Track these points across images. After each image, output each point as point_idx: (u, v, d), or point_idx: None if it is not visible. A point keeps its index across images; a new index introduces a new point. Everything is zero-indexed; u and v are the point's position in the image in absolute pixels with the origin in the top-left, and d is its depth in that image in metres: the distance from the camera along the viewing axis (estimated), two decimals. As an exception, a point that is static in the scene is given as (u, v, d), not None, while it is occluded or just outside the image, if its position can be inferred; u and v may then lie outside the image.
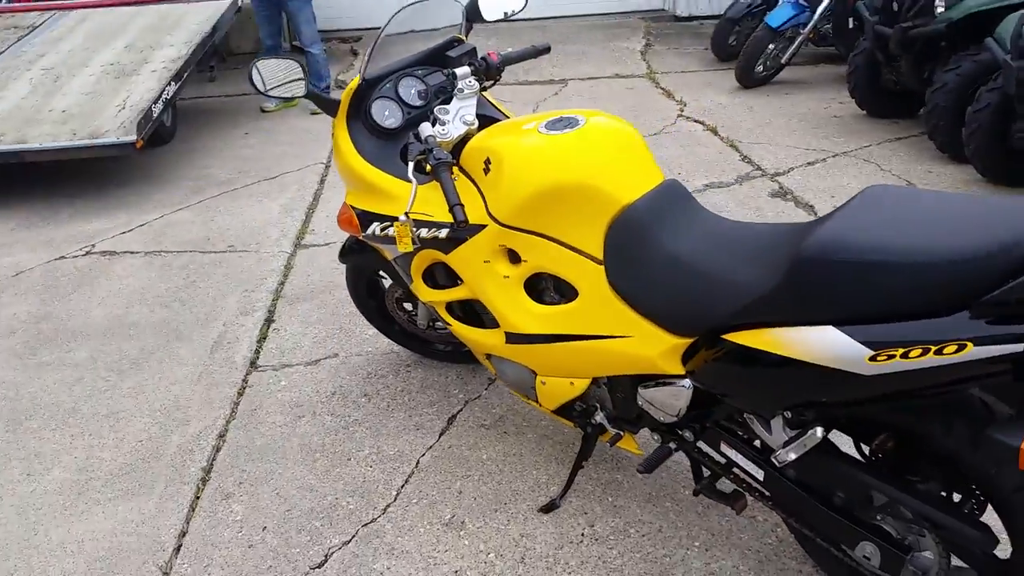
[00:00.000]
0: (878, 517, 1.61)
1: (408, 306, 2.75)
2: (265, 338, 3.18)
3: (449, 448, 2.45)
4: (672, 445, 1.88)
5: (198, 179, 4.88)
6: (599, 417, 2.02)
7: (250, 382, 2.91)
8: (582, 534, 2.09)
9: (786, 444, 1.60)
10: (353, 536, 2.17)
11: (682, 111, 5.40)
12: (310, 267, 3.69)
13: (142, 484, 2.44)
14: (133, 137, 4.37)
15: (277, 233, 4.07)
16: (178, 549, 2.19)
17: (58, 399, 2.89)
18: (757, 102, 5.46)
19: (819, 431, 1.55)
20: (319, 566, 2.09)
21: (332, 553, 2.12)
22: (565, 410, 2.11)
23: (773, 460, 1.66)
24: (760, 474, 1.74)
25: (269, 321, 3.30)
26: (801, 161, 4.46)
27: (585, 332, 1.85)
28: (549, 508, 2.16)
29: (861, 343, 1.34)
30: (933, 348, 1.27)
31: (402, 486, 2.32)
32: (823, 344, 1.40)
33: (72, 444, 2.65)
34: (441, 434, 2.52)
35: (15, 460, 2.59)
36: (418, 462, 2.41)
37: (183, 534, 2.24)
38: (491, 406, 2.63)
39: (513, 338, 2.00)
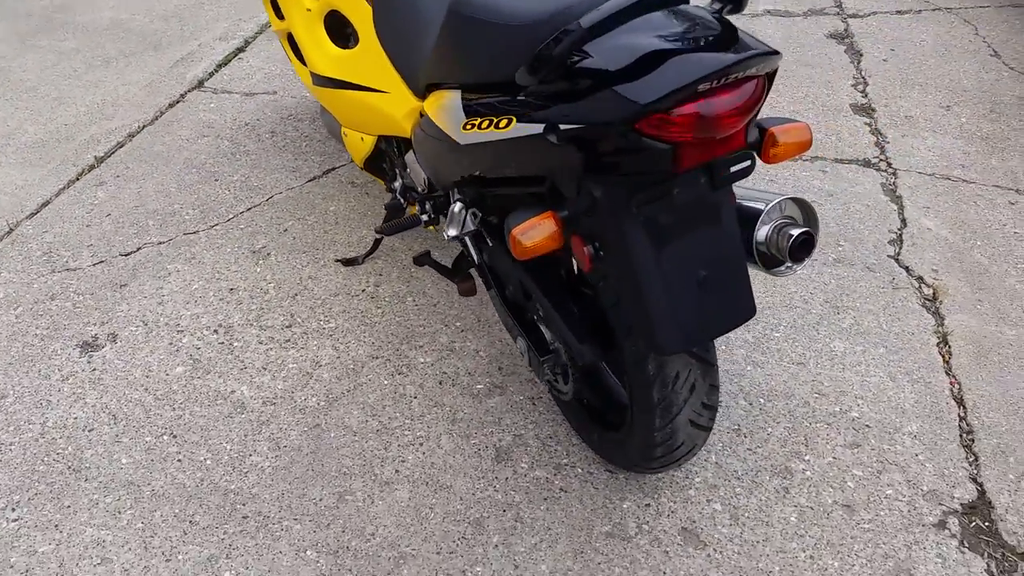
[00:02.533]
0: (535, 317, 1.54)
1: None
2: (226, 64, 3.29)
3: (306, 193, 2.51)
4: (424, 217, 1.83)
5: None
6: (397, 183, 1.99)
7: (187, 99, 3.06)
8: (363, 290, 2.13)
9: (451, 222, 1.52)
10: (170, 240, 2.33)
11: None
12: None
13: (42, 158, 2.71)
14: None
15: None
16: (33, 215, 2.45)
17: (26, 77, 3.20)
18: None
19: (458, 206, 1.46)
20: (128, 254, 2.27)
21: (144, 247, 2.30)
22: (373, 169, 2.09)
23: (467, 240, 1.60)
24: (476, 258, 1.68)
25: (240, 50, 3.39)
26: (890, 7, 3.82)
27: (358, 81, 1.79)
28: (348, 262, 2.20)
29: (464, 109, 1.25)
30: (495, 121, 1.15)
31: (241, 212, 2.43)
32: (448, 109, 1.32)
33: (12, 114, 2.95)
34: (309, 180, 2.57)
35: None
36: (271, 197, 2.50)
37: (45, 204, 2.49)
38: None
39: (316, 79, 1.98)
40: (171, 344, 1.98)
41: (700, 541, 1.51)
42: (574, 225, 1.16)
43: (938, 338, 1.92)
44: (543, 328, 1.53)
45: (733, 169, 1.14)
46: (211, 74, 3.22)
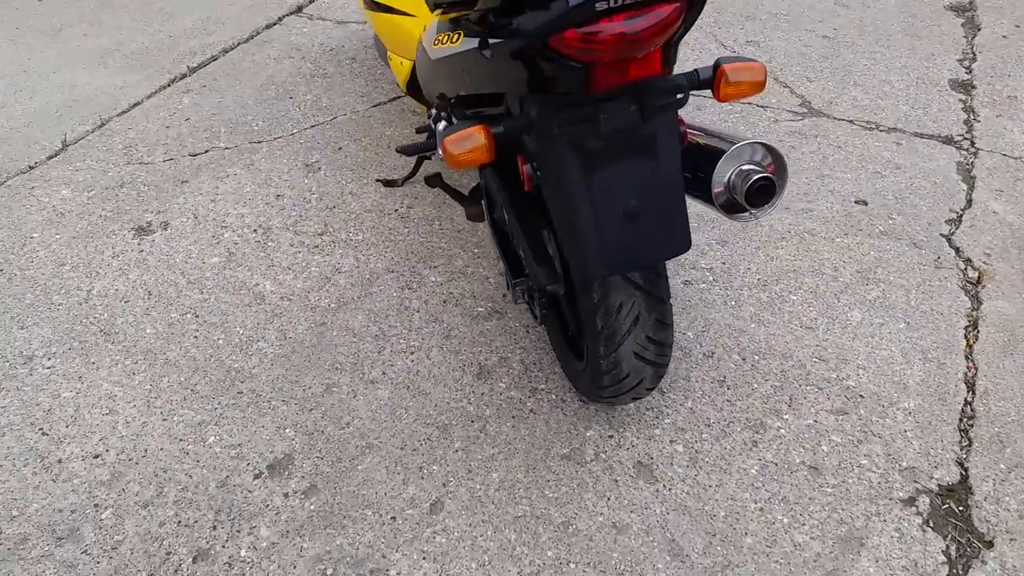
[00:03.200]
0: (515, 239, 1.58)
1: None
2: (325, -6, 3.46)
3: (368, 118, 2.64)
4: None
5: None
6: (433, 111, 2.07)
7: (284, 22, 3.25)
8: (395, 210, 2.23)
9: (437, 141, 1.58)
10: (236, 146, 2.51)
11: None
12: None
13: (143, 65, 2.97)
14: None
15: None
16: (123, 113, 2.70)
17: (146, -9, 3.49)
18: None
19: (441, 124, 1.52)
20: (195, 155, 2.48)
21: (211, 151, 2.50)
22: (414, 93, 2.18)
23: None
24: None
25: (341, -17, 3.55)
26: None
27: (396, 5, 1.88)
28: (388, 183, 2.30)
29: (437, 27, 1.31)
30: (451, 36, 1.21)
31: (305, 129, 2.59)
32: (429, 28, 1.39)
33: (127, 24, 3.24)
34: (374, 105, 2.70)
35: (81, 24, 3.25)
36: (335, 117, 2.64)
37: (136, 104, 2.74)
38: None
39: (366, 3, 2.08)
40: (213, 237, 2.15)
41: (652, 476, 1.53)
42: (510, 141, 1.20)
43: (968, 322, 1.82)
44: (521, 252, 1.58)
45: (664, 100, 1.14)
46: (311, 1, 3.39)
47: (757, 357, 1.76)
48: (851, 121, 2.53)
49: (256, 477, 1.57)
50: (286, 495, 1.53)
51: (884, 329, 1.81)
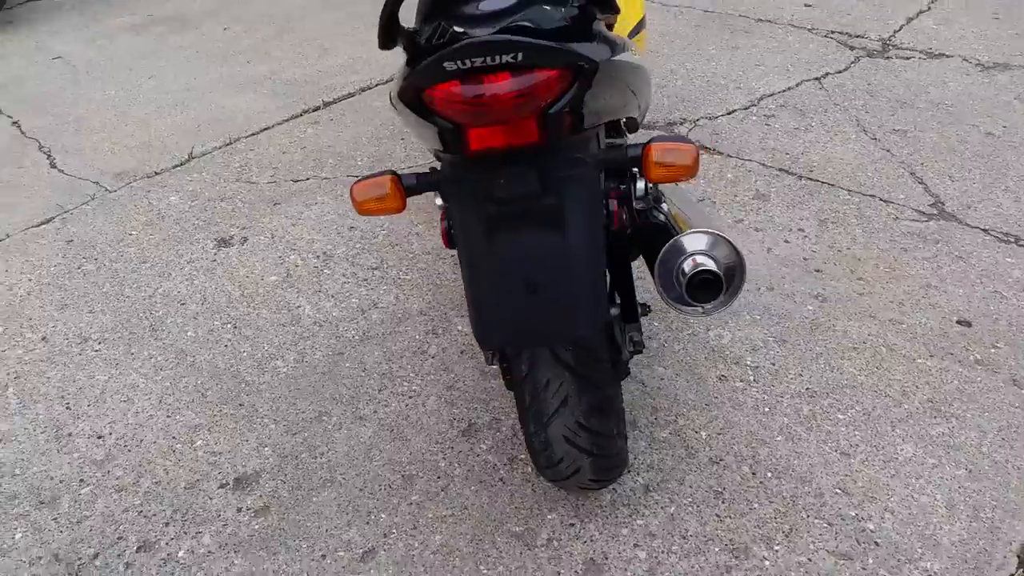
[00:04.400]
0: None
1: None
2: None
3: (465, 163, 2.73)
4: None
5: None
6: None
7: (424, 69, 3.47)
8: (451, 255, 2.28)
9: None
10: (334, 177, 2.69)
11: None
12: None
13: (286, 94, 3.28)
14: None
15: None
16: (251, 135, 2.98)
17: (312, 29, 3.86)
18: None
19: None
20: (296, 181, 2.68)
21: (311, 179, 2.69)
22: None
23: None
24: None
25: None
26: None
27: None
28: None
29: None
30: None
31: (401, 169, 2.72)
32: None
33: (287, 56, 3.60)
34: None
35: (249, 52, 3.64)
36: (432, 162, 2.75)
37: (265, 129, 3.02)
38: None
39: None
40: (280, 257, 2.30)
41: (598, 577, 1.42)
42: (420, 193, 1.18)
43: (1049, 483, 1.53)
44: None
45: (568, 172, 1.09)
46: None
47: (770, 474, 1.59)
48: (986, 230, 2.25)
49: (221, 487, 1.63)
50: (239, 510, 1.58)
51: (936, 472, 1.57)
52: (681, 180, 1.14)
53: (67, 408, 1.84)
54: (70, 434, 1.77)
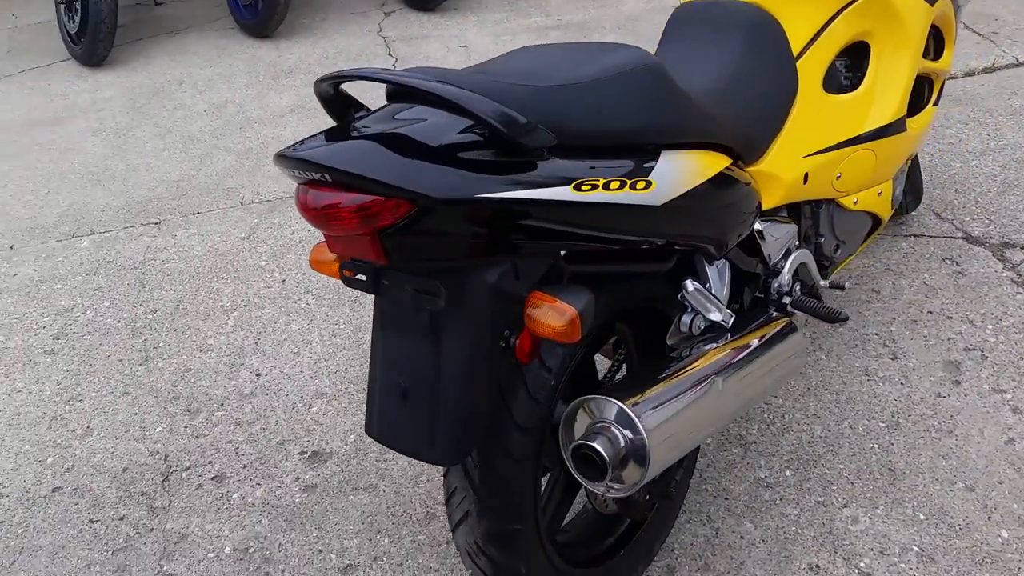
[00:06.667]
0: None
1: None
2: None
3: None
4: None
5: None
6: None
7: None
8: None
9: None
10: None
11: None
12: None
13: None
14: None
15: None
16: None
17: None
18: None
19: None
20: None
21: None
22: None
23: None
24: None
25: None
26: None
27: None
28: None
29: None
30: None
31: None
32: None
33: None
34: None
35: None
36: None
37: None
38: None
39: None
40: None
41: None
42: None
43: None
44: None
45: (417, 289, 1.05)
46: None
47: None
48: None
49: (300, 454, 1.88)
50: (296, 479, 1.81)
51: None
52: (558, 340, 1.05)
53: (256, 343, 2.25)
54: (242, 364, 2.17)
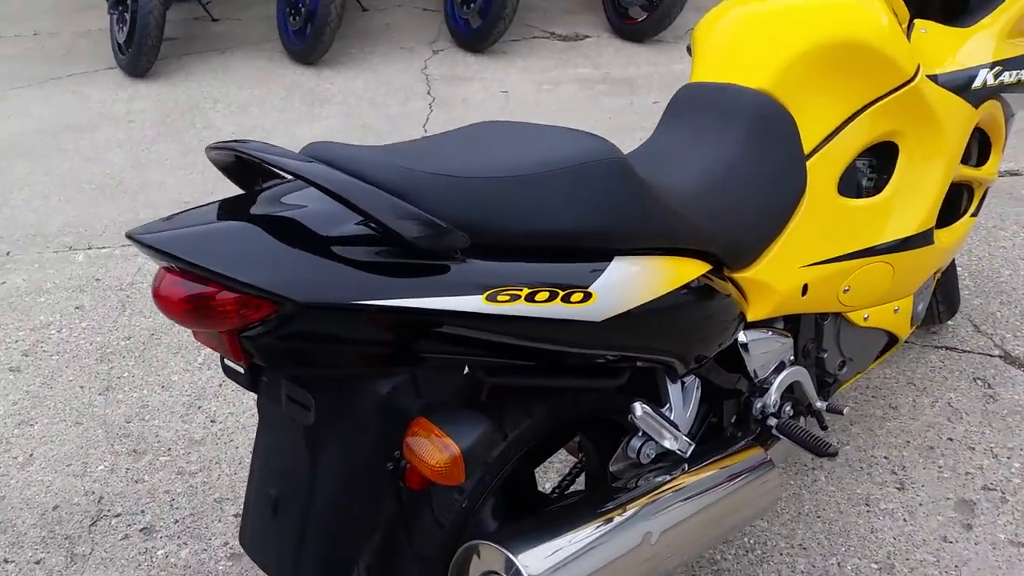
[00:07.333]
0: None
1: None
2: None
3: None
4: None
5: None
6: None
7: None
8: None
9: None
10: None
11: None
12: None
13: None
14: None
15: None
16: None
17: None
18: None
19: None
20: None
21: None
22: None
23: None
24: None
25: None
26: None
27: None
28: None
29: None
30: None
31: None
32: None
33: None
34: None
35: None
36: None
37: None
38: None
39: None
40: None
41: None
42: None
43: None
44: None
45: (290, 396, 0.93)
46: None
47: None
48: None
49: (235, 516, 1.75)
50: (225, 543, 1.68)
51: None
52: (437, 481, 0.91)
53: (219, 384, 2.15)
54: (199, 407, 2.07)
